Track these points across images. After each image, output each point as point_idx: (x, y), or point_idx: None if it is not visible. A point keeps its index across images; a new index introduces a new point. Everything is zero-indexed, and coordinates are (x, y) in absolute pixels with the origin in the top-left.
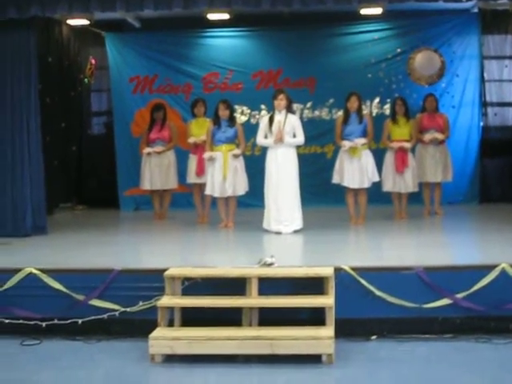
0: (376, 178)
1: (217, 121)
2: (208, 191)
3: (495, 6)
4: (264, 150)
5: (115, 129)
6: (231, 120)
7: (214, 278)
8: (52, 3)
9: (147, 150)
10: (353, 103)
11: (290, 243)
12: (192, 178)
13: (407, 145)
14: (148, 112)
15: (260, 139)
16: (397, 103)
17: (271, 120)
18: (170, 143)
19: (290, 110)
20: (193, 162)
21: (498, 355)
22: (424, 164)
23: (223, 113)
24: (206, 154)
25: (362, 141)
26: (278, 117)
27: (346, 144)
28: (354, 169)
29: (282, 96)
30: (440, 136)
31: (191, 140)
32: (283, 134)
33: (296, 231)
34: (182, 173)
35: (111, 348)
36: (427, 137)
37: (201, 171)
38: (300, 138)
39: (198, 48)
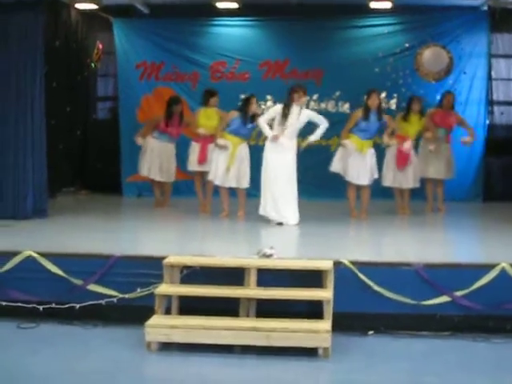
0: (375, 175)
1: (245, 116)
2: (211, 177)
3: (505, 4)
4: None
5: (120, 114)
6: (254, 117)
7: (212, 268)
8: None
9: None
10: (374, 100)
11: (290, 235)
12: (193, 166)
13: (406, 146)
14: (154, 99)
15: (263, 121)
16: (414, 102)
17: (285, 112)
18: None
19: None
20: (195, 149)
21: (496, 354)
22: (427, 160)
23: (255, 108)
24: (220, 141)
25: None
26: (296, 110)
27: (347, 144)
28: (359, 165)
29: (302, 92)
30: (469, 139)
31: (201, 131)
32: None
33: (296, 224)
34: (183, 160)
35: (107, 334)
36: (431, 147)
37: (203, 159)
38: (324, 125)
39: (205, 36)
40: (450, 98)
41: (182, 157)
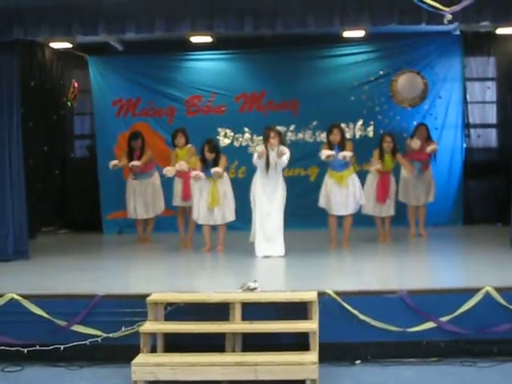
0: (363, 201)
1: (203, 161)
2: (194, 216)
3: (477, 28)
4: (248, 173)
5: (98, 152)
6: (216, 160)
7: (196, 303)
8: (34, 26)
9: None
10: (335, 136)
11: (273, 267)
12: (178, 202)
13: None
14: None
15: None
16: (385, 140)
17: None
18: (149, 167)
19: (281, 142)
20: (178, 185)
21: (483, 379)
22: (408, 187)
23: (208, 155)
24: (193, 173)
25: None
26: (272, 154)
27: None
28: (342, 196)
29: (273, 134)
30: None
31: (177, 167)
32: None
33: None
34: (166, 196)
35: (94, 374)
36: (406, 174)
37: (187, 196)
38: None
39: (180, 71)
40: (423, 130)
41: (165, 193)
